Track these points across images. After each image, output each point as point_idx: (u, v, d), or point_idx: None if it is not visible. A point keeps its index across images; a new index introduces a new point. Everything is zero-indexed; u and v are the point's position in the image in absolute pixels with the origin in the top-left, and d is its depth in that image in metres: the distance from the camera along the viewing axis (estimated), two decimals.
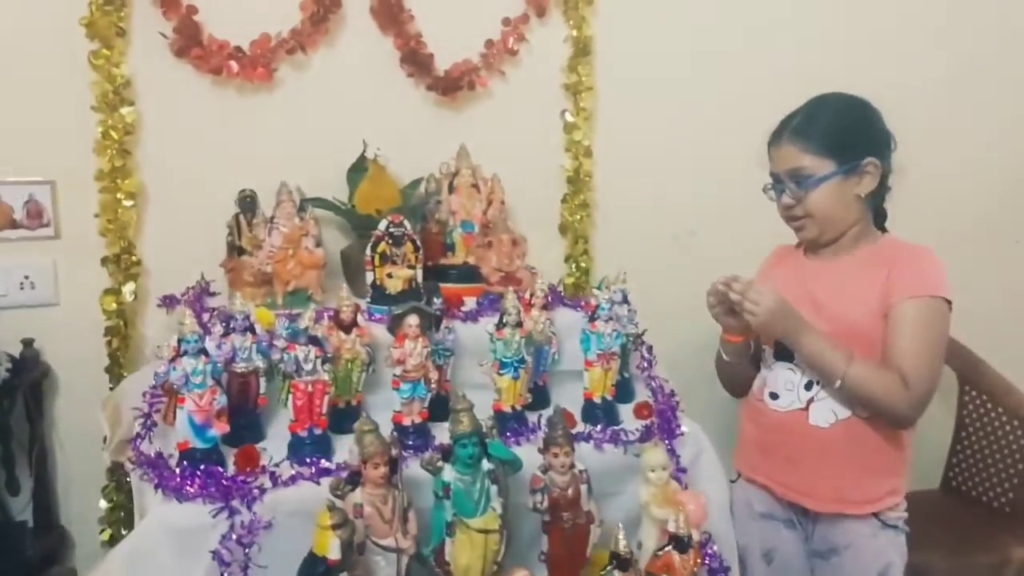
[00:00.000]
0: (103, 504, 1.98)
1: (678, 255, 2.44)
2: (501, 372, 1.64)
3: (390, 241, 1.83)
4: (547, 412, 1.71)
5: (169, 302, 1.98)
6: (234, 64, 1.94)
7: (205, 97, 2.01)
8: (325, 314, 1.69)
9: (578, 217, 2.31)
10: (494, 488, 1.40)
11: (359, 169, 2.09)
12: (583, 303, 1.91)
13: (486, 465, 1.40)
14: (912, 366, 1.52)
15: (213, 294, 1.98)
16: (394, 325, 1.59)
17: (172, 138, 2.00)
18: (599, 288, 1.71)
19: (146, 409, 1.55)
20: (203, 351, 1.43)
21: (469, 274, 1.97)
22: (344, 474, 1.37)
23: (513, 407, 1.65)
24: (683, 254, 2.45)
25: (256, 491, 1.38)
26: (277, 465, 1.46)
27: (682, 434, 1.67)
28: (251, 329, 1.58)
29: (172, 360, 1.41)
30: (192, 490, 1.36)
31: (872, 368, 1.55)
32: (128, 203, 1.93)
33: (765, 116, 2.37)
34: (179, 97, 1.99)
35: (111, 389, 1.99)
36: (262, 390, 1.61)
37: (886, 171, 1.64)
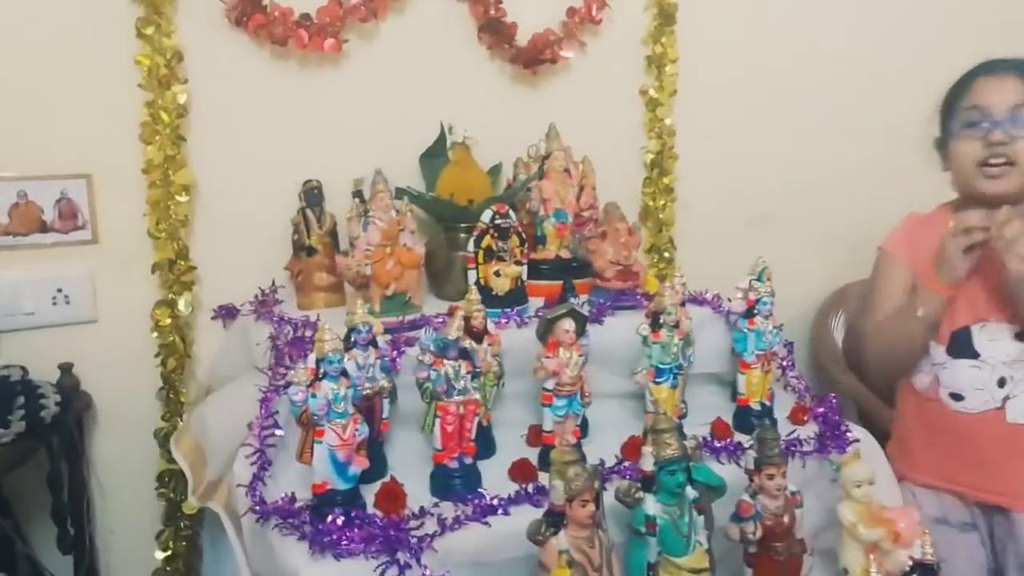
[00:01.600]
0: (159, 555, 1.69)
1: (757, 240, 2.27)
2: (658, 380, 1.43)
3: (496, 235, 1.60)
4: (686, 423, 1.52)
5: (226, 314, 1.71)
6: (304, 34, 1.66)
7: (264, 73, 1.73)
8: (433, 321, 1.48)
9: (662, 203, 2.12)
10: (700, 519, 1.20)
11: (436, 154, 1.85)
12: (710, 297, 1.71)
13: (691, 493, 1.19)
14: None
15: (278, 301, 1.71)
16: (546, 331, 1.36)
17: (225, 122, 1.71)
18: (760, 279, 1.51)
19: (257, 444, 1.28)
20: (344, 373, 1.18)
21: (563, 269, 1.75)
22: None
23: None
24: (763, 240, 2.28)
25: (427, 539, 1.14)
26: (437, 504, 1.21)
27: (856, 440, 1.50)
28: (374, 343, 1.33)
29: (311, 385, 1.15)
30: (353, 544, 1.10)
31: None
32: (182, 198, 1.63)
33: (853, 93, 2.28)
34: (234, 73, 1.70)
35: (163, 419, 1.70)
36: (385, 414, 1.36)
37: None
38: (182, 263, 1.66)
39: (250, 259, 1.73)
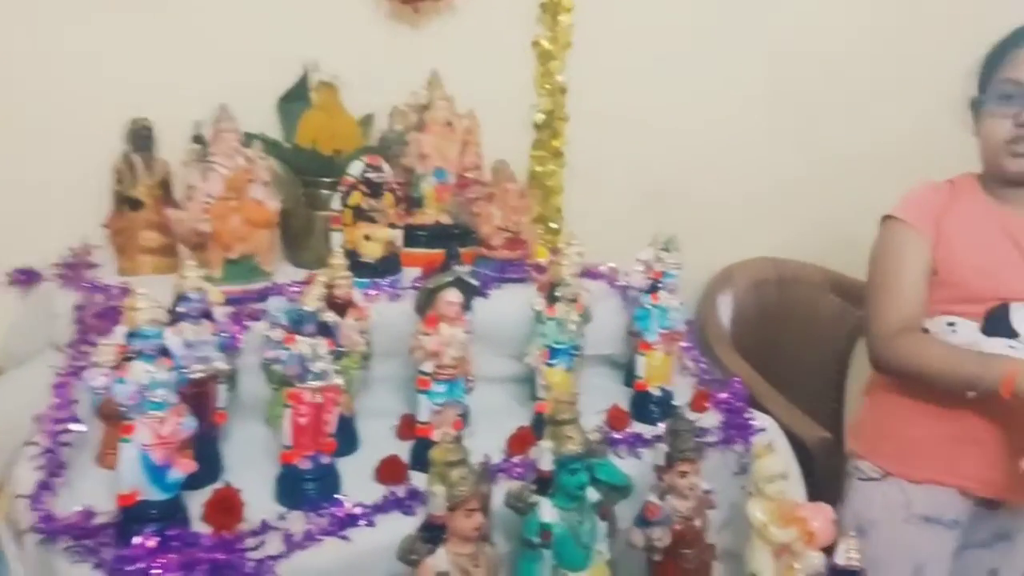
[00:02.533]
0: None
1: (645, 215, 2.11)
2: (552, 362, 1.25)
3: (367, 191, 1.37)
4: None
5: (26, 278, 1.40)
6: None
7: None
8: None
9: (550, 168, 1.93)
10: (602, 526, 1.02)
11: (297, 98, 1.59)
12: (606, 271, 1.54)
13: (592, 495, 1.01)
14: None
15: (92, 265, 1.42)
16: (426, 303, 1.15)
17: (25, 39, 1.41)
18: (667, 249, 1.35)
19: (47, 444, 1.00)
20: (164, 352, 0.92)
21: (443, 236, 1.54)
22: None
23: None
24: (651, 215, 2.12)
25: (268, 562, 0.90)
26: (283, 516, 0.98)
27: (762, 430, 1.36)
28: (209, 315, 1.07)
29: (117, 367, 0.89)
30: (167, 573, 0.86)
31: None
32: None
33: (760, 61, 2.15)
34: None
35: None
36: (222, 403, 1.11)
37: None
38: None
39: (58, 213, 1.46)
